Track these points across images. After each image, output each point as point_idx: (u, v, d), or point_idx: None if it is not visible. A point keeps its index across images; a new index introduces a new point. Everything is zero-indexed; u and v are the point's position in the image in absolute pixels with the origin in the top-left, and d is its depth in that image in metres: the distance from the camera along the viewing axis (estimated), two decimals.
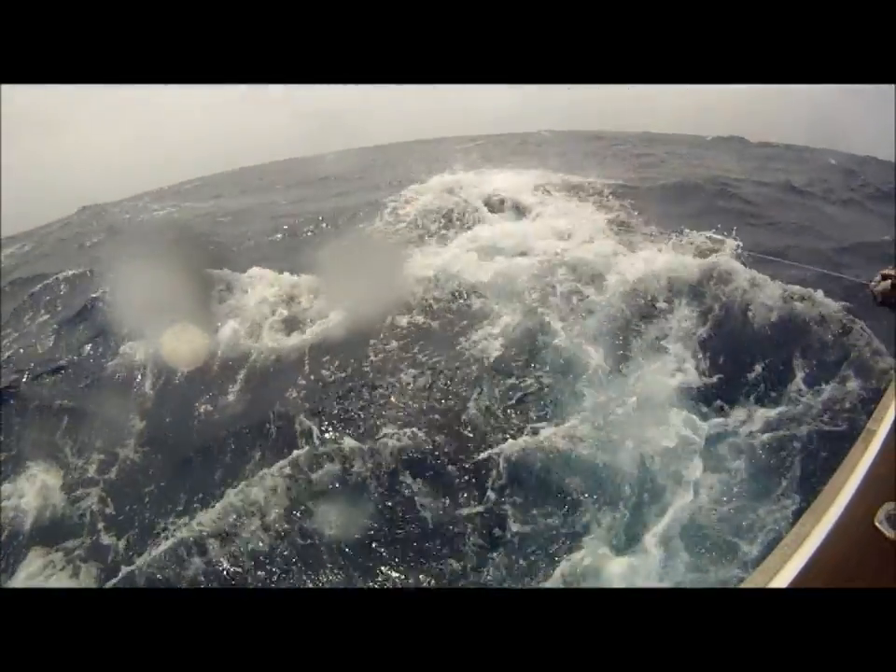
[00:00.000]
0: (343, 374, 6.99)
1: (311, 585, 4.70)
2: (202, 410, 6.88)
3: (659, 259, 8.10)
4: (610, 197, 12.19)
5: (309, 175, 19.61)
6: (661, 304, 7.41)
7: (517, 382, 6.43)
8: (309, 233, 12.66)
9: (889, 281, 2.61)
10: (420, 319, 7.85)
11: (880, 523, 1.75)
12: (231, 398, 6.98)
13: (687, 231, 8.69)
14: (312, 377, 7.01)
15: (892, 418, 2.29)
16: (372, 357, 7.19)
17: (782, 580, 1.57)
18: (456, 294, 8.34)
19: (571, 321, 7.23)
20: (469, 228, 10.66)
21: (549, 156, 16.95)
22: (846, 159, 17.51)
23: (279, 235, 12.77)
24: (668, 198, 12.17)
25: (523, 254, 9.13)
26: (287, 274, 9.33)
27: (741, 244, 7.83)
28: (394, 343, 7.38)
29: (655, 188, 13.19)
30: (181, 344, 7.66)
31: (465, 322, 7.66)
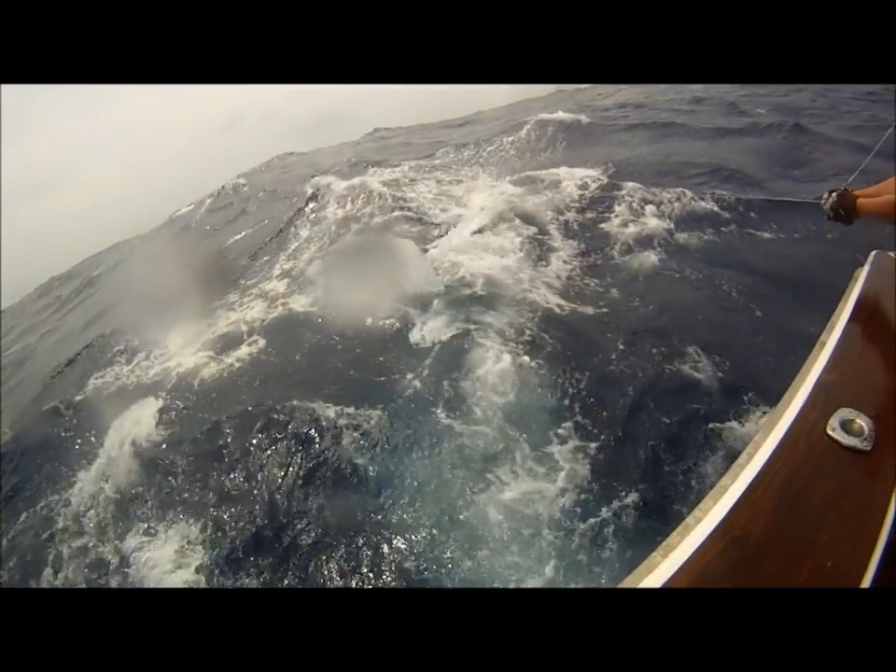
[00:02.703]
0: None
1: None
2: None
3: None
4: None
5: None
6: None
7: None
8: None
9: (836, 192, 2.69)
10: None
11: (833, 430, 1.68)
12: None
13: None
14: None
15: (843, 326, 2.24)
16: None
17: (734, 493, 1.52)
18: None
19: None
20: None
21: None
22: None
23: None
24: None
25: None
26: None
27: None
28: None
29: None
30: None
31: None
